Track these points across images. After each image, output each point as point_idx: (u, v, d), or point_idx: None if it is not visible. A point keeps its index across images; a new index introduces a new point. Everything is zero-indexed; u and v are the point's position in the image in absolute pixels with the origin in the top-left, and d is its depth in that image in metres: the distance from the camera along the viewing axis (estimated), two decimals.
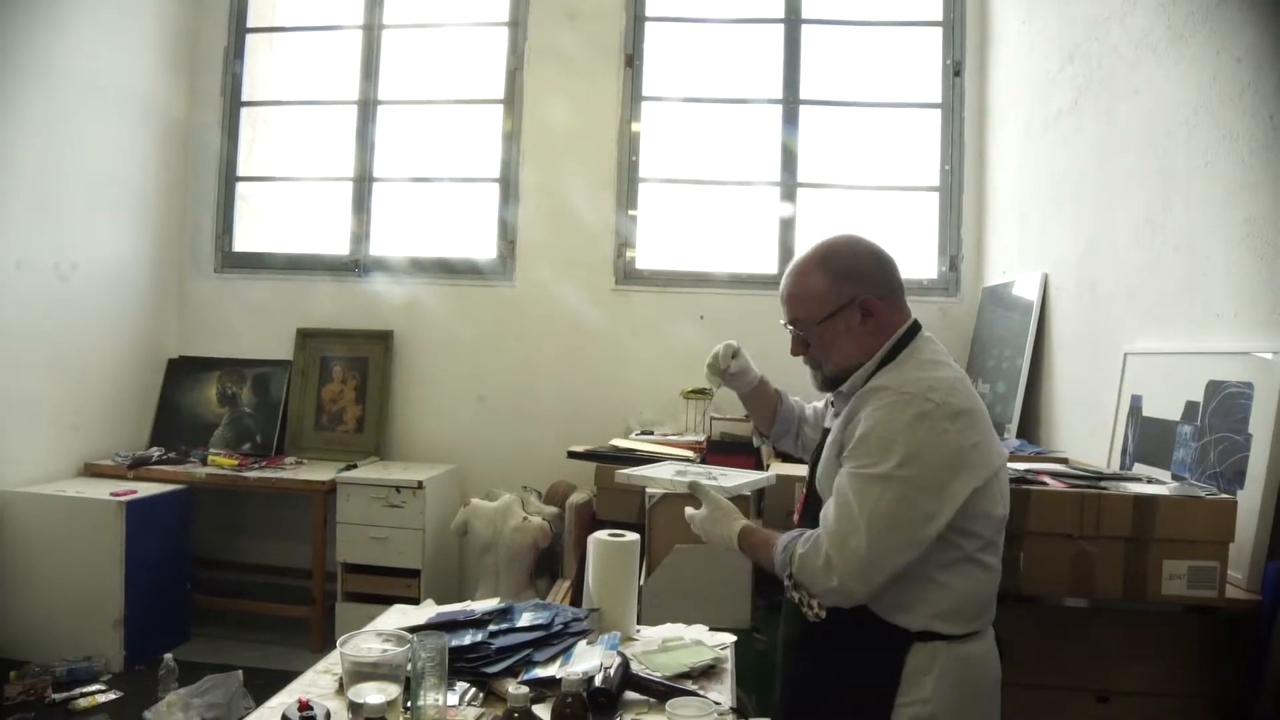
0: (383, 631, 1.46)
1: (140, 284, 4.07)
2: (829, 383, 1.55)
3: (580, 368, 3.98)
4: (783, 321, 1.57)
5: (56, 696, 3.07)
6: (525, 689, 1.18)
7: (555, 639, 1.56)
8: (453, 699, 1.38)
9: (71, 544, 3.36)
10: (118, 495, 3.42)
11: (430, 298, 4.10)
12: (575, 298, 4.00)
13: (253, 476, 3.70)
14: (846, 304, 1.47)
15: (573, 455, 3.15)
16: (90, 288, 3.76)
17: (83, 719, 2.97)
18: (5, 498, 3.40)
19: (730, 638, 1.72)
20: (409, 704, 1.29)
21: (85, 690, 3.11)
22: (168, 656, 3.06)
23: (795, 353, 1.57)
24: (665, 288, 3.99)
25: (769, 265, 3.97)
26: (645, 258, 4.07)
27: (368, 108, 4.24)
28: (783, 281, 1.56)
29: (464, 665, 1.46)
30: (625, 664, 1.43)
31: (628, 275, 4.04)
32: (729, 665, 1.60)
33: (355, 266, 4.20)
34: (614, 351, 3.96)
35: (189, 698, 2.88)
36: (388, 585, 3.49)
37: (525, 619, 1.62)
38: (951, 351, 1.56)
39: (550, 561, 3.53)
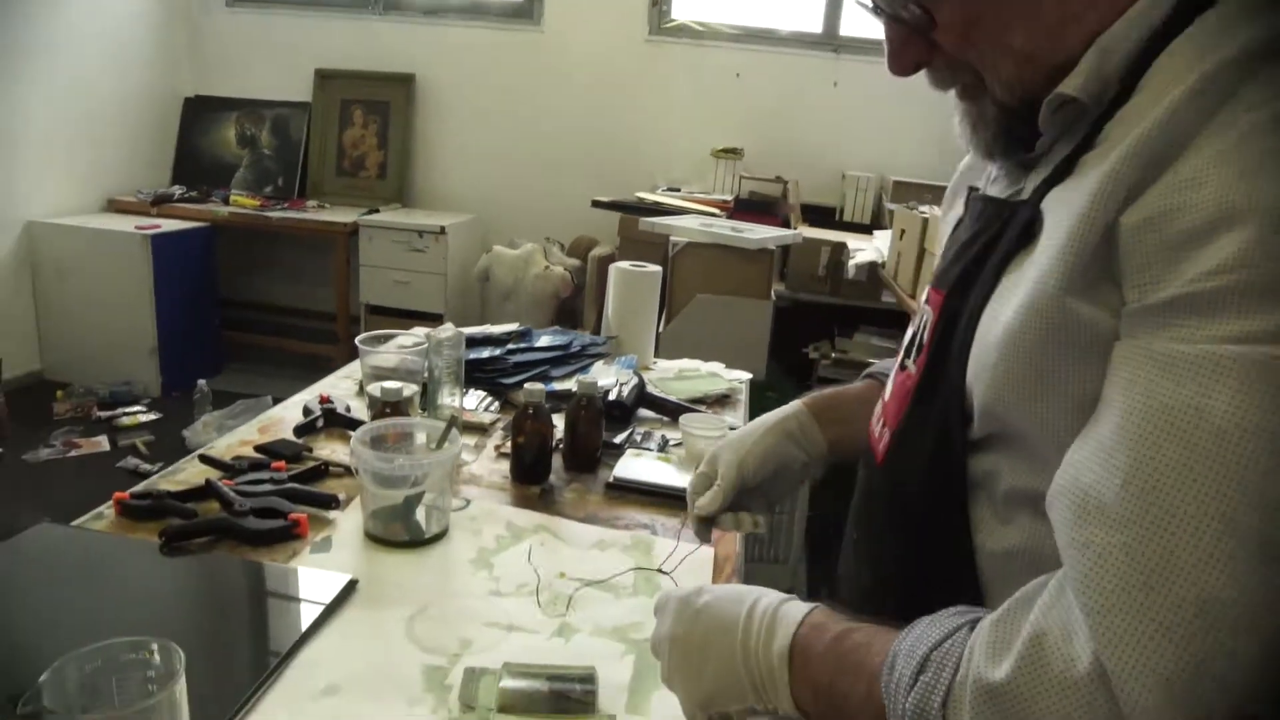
0: (403, 344, 1.46)
1: (149, 19, 3.87)
2: (1010, 112, 0.61)
3: (608, 120, 3.82)
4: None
5: (102, 414, 3.23)
6: (540, 385, 1.19)
7: (572, 359, 1.57)
8: (470, 403, 1.41)
9: (101, 275, 3.42)
10: (142, 229, 3.43)
11: (454, 40, 3.88)
12: (606, 47, 3.77)
13: (275, 217, 3.68)
14: None
15: (597, 205, 3.09)
16: (93, 23, 3.58)
17: (127, 434, 3.13)
18: (35, 228, 3.43)
19: (747, 374, 1.73)
20: (425, 406, 1.31)
21: (128, 410, 3.27)
22: (201, 382, 3.19)
23: (904, 66, 0.63)
24: (701, 41, 3.75)
25: (814, 24, 3.70)
26: (681, 7, 3.80)
27: None
28: None
29: (481, 375, 1.48)
30: (641, 383, 1.45)
31: (662, 26, 3.79)
32: (743, 397, 1.62)
33: (375, 3, 3.96)
34: (644, 105, 3.79)
35: (223, 419, 3.03)
36: (410, 327, 3.54)
37: (544, 341, 1.63)
38: None
39: (570, 317, 3.56)
